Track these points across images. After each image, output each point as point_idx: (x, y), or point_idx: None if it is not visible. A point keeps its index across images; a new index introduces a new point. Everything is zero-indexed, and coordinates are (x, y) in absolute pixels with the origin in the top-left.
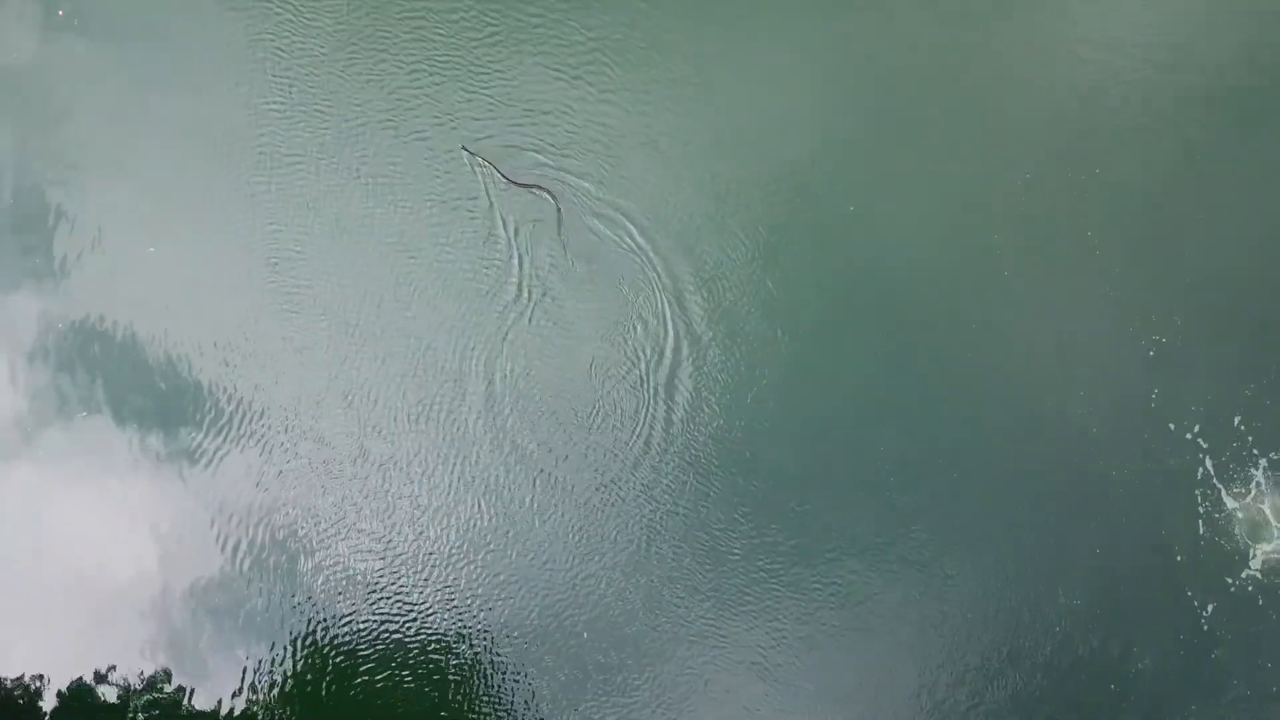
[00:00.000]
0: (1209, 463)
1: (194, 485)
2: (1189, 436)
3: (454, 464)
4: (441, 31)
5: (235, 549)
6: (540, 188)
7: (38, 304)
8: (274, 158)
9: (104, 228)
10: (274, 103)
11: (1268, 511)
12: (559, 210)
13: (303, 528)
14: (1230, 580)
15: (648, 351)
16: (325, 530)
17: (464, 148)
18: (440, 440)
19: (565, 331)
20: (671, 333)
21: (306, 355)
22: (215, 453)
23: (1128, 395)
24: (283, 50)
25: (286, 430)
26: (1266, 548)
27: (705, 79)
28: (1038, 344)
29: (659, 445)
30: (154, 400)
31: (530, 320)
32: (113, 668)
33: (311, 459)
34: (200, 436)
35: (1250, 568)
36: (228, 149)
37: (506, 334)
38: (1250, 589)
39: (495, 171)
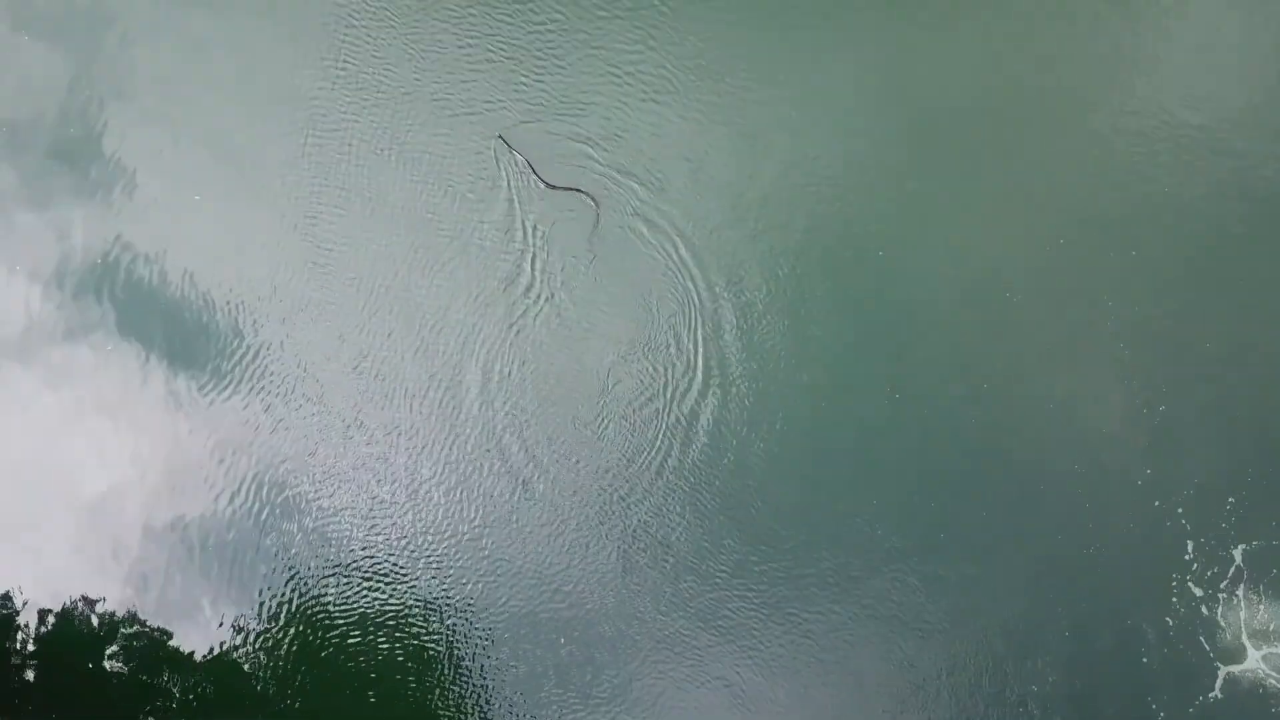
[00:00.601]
0: (1190, 547)
1: (197, 423)
2: (1177, 515)
3: (443, 448)
4: (507, 12)
5: (226, 492)
6: (580, 190)
7: (74, 233)
8: (326, 118)
9: (146, 167)
10: (334, 64)
11: (1242, 631)
12: (598, 214)
13: (292, 482)
14: (1196, 696)
15: (673, 372)
16: (313, 489)
17: (500, 137)
18: (434, 422)
19: (581, 332)
20: (701, 358)
21: (324, 315)
22: (221, 395)
23: (1124, 467)
24: (353, 12)
25: (292, 387)
26: (1235, 668)
27: (762, 101)
28: (1043, 407)
29: (667, 464)
30: (171, 337)
31: (542, 317)
32: (98, 599)
33: (309, 419)
34: (211, 379)
35: (1216, 689)
36: (282, 104)
37: (517, 326)
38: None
39: (531, 173)
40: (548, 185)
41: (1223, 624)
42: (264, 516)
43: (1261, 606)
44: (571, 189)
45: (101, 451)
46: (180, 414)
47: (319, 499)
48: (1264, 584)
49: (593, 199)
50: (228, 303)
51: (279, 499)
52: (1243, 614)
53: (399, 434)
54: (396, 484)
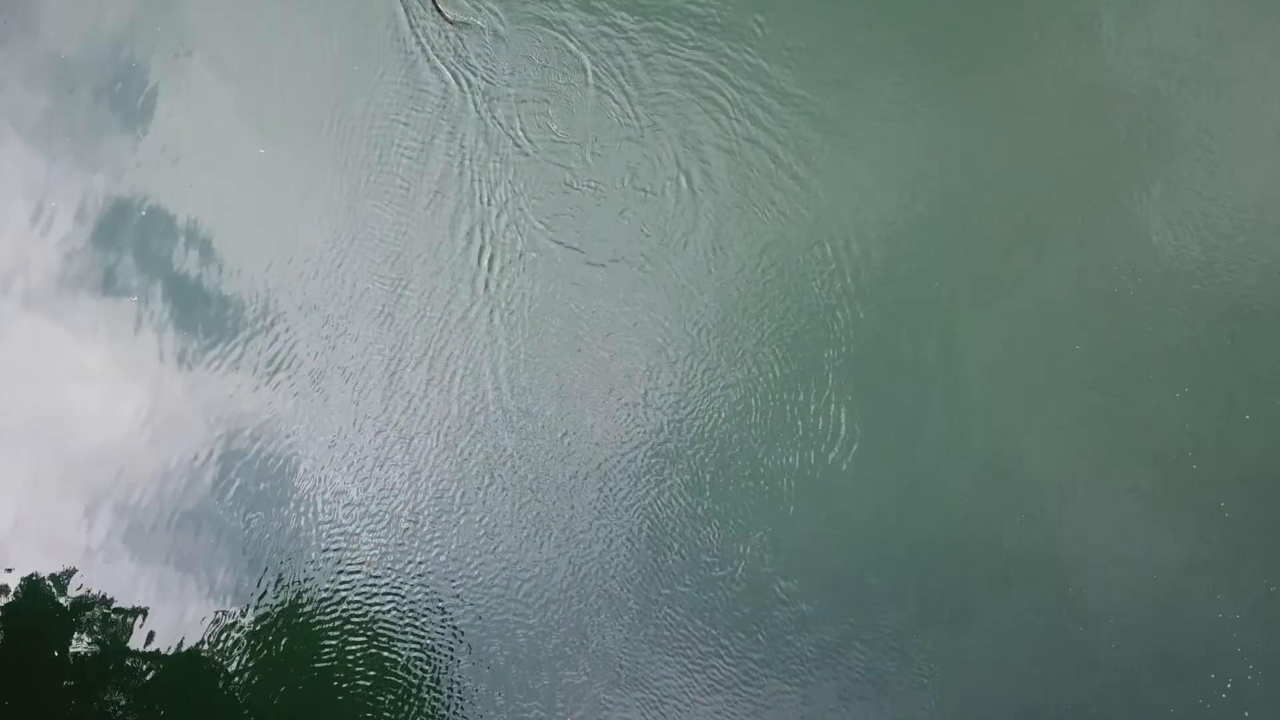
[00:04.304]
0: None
1: (200, 391)
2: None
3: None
4: None
5: (215, 467)
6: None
7: (121, 181)
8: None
9: (200, 122)
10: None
11: None
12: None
13: (284, 467)
14: None
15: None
16: (304, 478)
17: None
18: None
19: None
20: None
21: (358, 301)
22: (229, 362)
23: (1159, 619)
24: None
25: (303, 365)
26: None
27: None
28: (1072, 538)
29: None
30: (195, 300)
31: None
32: (72, 570)
33: (311, 400)
34: (224, 344)
35: None
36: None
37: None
38: None
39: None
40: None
41: None
42: (250, 493)
43: None
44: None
45: (96, 411)
46: (186, 381)
47: (308, 490)
48: None
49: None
50: (268, 273)
51: (265, 479)
52: None
53: (401, 434)
54: (387, 472)
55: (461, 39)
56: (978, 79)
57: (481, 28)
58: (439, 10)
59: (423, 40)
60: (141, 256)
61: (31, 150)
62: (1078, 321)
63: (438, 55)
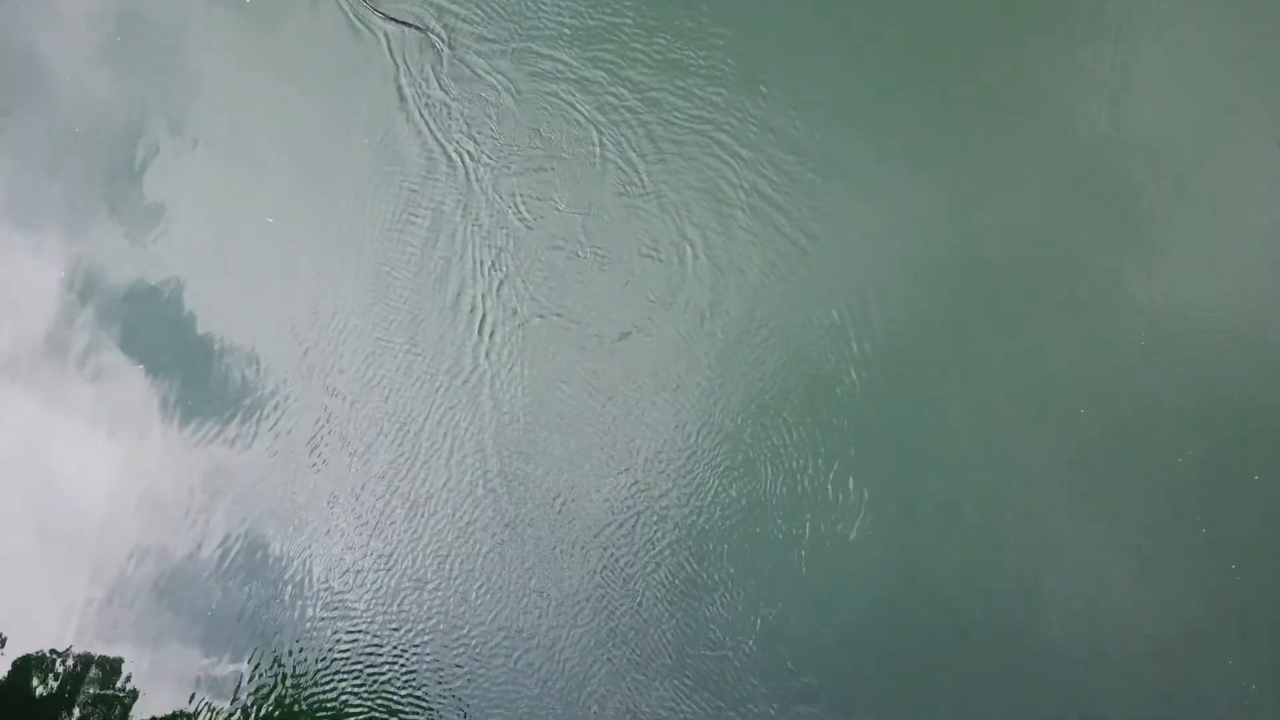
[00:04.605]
0: None
1: (194, 458)
2: None
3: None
4: None
5: (211, 538)
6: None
7: (125, 252)
8: (400, 177)
9: (199, 198)
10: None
11: None
12: (438, 44)
13: (281, 535)
14: None
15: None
16: (300, 545)
17: None
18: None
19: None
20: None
21: (358, 369)
22: (225, 430)
23: (1167, 687)
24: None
25: (300, 433)
26: None
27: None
28: (1078, 609)
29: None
30: (192, 367)
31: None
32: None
33: (308, 467)
34: (223, 422)
35: None
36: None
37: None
38: None
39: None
40: (385, 16)
41: None
42: (244, 566)
43: None
44: (408, 23)
45: (88, 478)
46: (180, 448)
47: (300, 559)
48: None
49: (430, 31)
50: (276, 347)
51: (258, 550)
52: None
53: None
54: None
55: (462, 115)
56: (982, 146)
57: (464, 76)
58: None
59: (426, 116)
60: (139, 326)
61: (35, 223)
62: (1082, 386)
63: (438, 128)
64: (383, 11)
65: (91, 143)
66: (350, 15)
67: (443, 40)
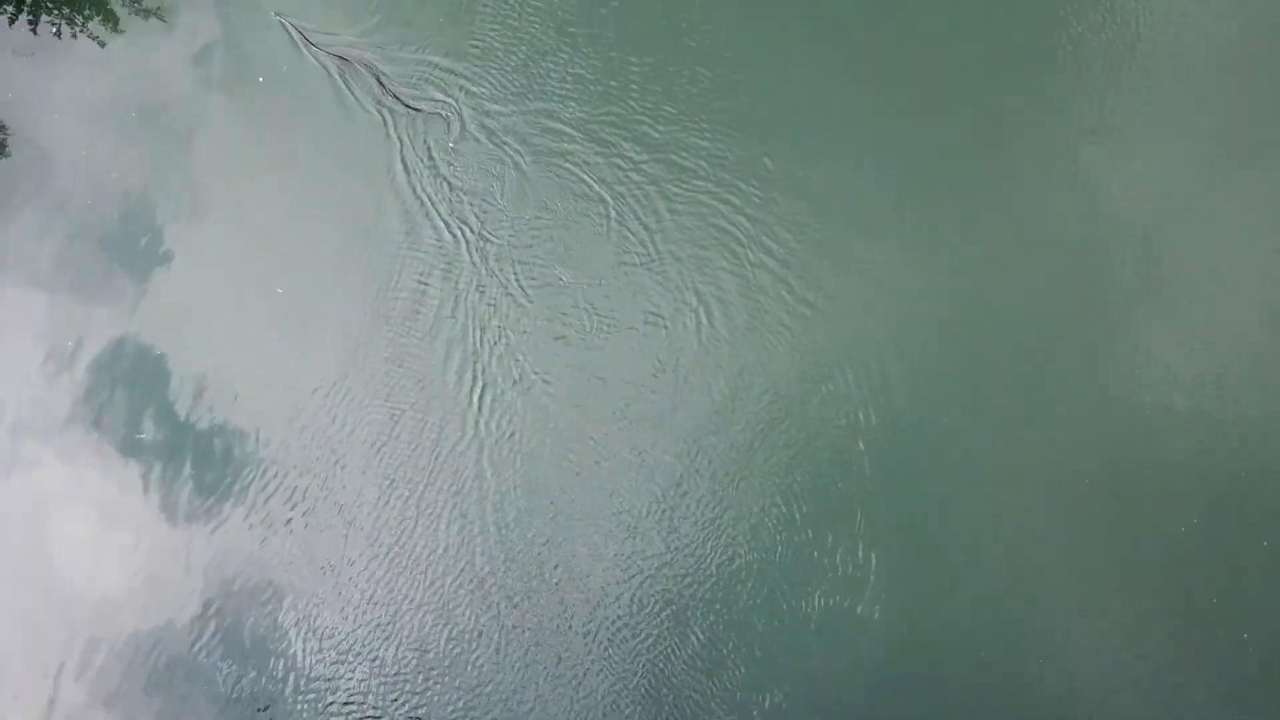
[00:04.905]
0: None
1: (191, 530)
2: None
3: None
4: None
5: (204, 611)
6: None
7: (132, 324)
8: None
9: (202, 275)
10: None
11: None
12: (452, 124)
13: (277, 606)
14: None
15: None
16: (295, 615)
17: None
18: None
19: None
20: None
21: (357, 438)
22: (223, 501)
23: None
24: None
25: (298, 500)
26: None
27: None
28: (1092, 680)
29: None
30: (194, 447)
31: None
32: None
33: (300, 560)
34: (219, 491)
35: None
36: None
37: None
38: None
39: (376, 81)
40: (406, 105)
41: None
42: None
43: None
44: (426, 110)
45: (82, 551)
46: (176, 520)
47: (292, 641)
48: None
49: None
50: (277, 428)
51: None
52: None
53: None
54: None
55: (468, 189)
56: (992, 222)
57: (448, 122)
58: (400, 99)
59: (430, 192)
60: (141, 397)
61: (46, 295)
62: (1089, 458)
63: (442, 202)
64: (408, 104)
65: (103, 216)
66: (354, 96)
67: (457, 118)
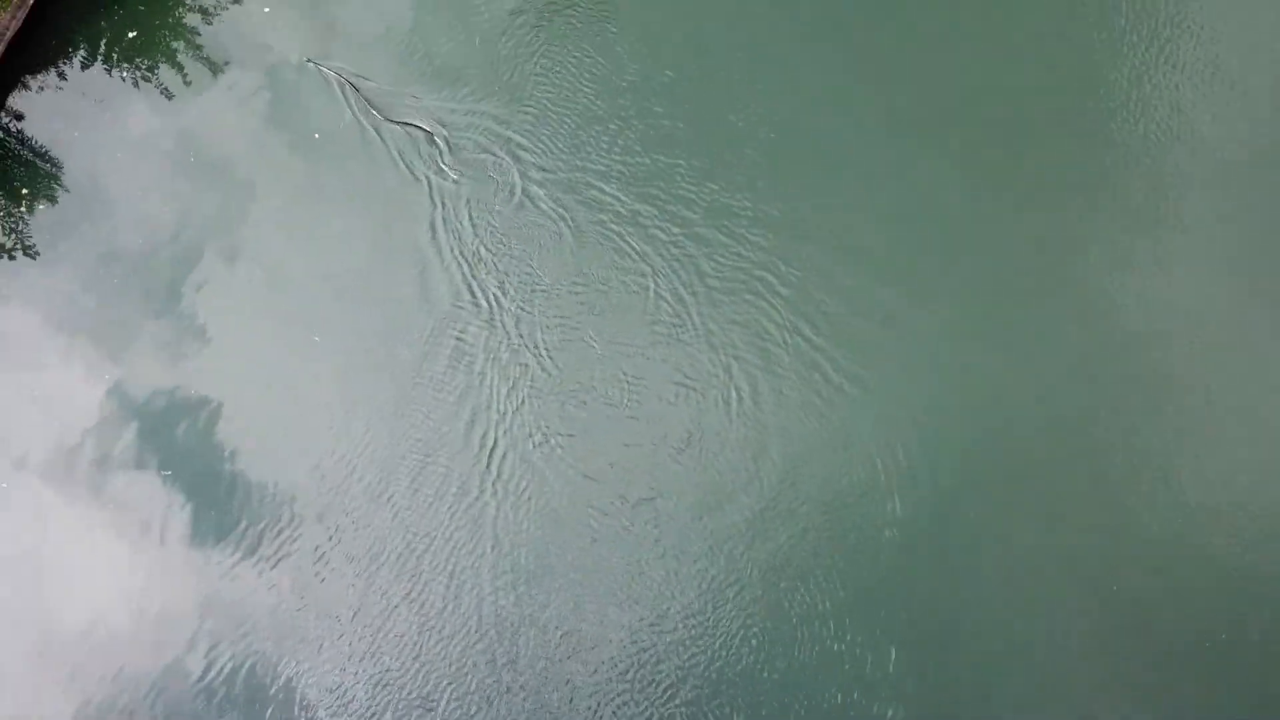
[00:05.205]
0: None
1: (200, 572)
2: None
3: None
4: None
5: (209, 654)
6: (418, 125)
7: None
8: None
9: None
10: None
11: None
12: (438, 141)
13: (269, 661)
14: None
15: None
16: (301, 667)
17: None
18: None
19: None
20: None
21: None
22: (235, 549)
23: None
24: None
25: (308, 554)
26: None
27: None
28: None
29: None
30: (210, 477)
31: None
32: None
33: (316, 585)
34: (234, 544)
35: None
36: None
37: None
38: None
39: (365, 101)
40: (387, 119)
41: None
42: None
43: None
44: (409, 124)
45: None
46: (192, 560)
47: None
48: None
49: (429, 130)
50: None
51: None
52: None
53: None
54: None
55: (507, 254)
56: (1025, 318)
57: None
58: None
59: (463, 256)
60: (171, 437)
61: (85, 334)
62: (1113, 561)
63: (475, 269)
64: (453, 173)
65: (149, 260)
66: (403, 163)
67: (512, 182)
